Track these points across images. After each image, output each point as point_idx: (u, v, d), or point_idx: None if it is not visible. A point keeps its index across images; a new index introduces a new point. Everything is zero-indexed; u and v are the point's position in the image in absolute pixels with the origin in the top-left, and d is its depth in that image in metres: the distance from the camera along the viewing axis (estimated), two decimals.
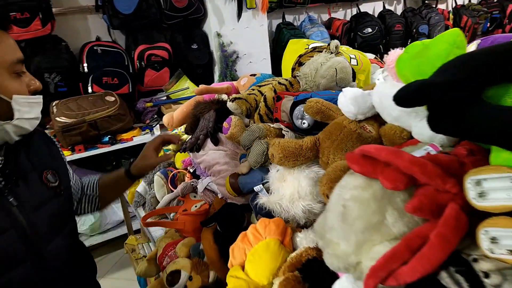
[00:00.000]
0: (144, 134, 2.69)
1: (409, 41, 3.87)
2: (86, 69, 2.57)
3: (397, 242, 0.57)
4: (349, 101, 0.81)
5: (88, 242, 2.57)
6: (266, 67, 3.28)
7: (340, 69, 1.07)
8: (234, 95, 1.28)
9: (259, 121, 1.20)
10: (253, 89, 1.29)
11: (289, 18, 3.63)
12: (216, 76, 3.09)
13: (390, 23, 3.78)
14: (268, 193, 0.97)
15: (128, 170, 1.07)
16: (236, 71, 3.08)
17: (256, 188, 0.99)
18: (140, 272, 1.17)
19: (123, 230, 2.61)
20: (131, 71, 2.72)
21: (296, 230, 0.90)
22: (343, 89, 0.85)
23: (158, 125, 2.72)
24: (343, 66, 1.08)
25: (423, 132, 0.67)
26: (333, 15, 3.79)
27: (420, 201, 0.52)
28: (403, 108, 0.69)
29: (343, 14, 3.94)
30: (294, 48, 1.51)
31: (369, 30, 3.56)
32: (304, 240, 0.84)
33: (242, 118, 1.22)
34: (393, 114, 0.72)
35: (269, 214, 0.93)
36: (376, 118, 0.83)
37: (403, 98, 0.52)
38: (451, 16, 4.47)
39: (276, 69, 3.42)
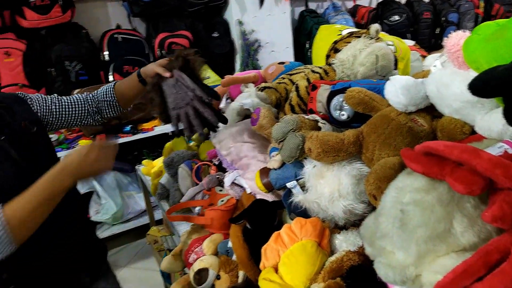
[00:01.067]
0: (165, 124, 2.64)
1: (437, 30, 3.71)
2: (107, 58, 2.54)
3: (466, 254, 0.50)
4: (399, 91, 0.72)
5: (110, 231, 2.56)
6: (288, 56, 3.18)
7: (382, 56, 0.98)
8: (263, 84, 1.21)
9: (290, 112, 1.13)
10: (283, 78, 1.22)
11: (312, 5, 3.51)
12: (238, 65, 3.02)
13: (418, 11, 3.61)
14: (302, 190, 0.90)
15: (139, 73, 1.19)
16: (258, 60, 2.99)
17: (289, 185, 0.93)
18: (165, 267, 1.13)
19: (145, 220, 2.59)
20: (151, 59, 2.68)
21: (334, 232, 0.83)
22: (391, 77, 0.77)
23: None
24: (385, 52, 0.99)
25: (490, 126, 0.59)
26: (358, 1, 3.65)
27: (501, 209, 0.44)
28: (466, 99, 0.61)
29: (368, 0, 3.78)
30: (325, 34, 1.42)
31: (397, 17, 3.40)
32: (344, 243, 0.77)
33: (271, 109, 1.15)
34: (454, 105, 0.64)
35: (303, 213, 0.87)
36: (428, 110, 0.75)
37: (485, 86, 0.44)
38: (481, 4, 4.25)
39: (299, 58, 3.32)
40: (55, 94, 1.18)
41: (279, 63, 1.46)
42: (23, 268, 0.97)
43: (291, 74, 1.21)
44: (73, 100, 1.19)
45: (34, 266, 0.98)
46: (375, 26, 1.02)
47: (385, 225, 0.55)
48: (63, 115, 1.16)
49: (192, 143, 1.58)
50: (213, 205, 1.16)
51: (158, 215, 2.39)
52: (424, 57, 1.38)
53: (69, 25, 2.46)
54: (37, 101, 1.11)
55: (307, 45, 3.25)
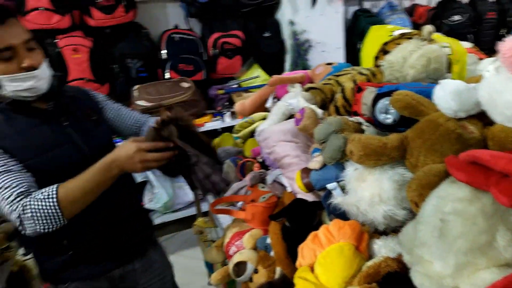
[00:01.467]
0: (215, 121, 2.73)
1: (502, 31, 3.44)
2: (164, 56, 2.67)
3: (508, 269, 0.47)
4: (449, 96, 0.70)
5: (161, 219, 2.71)
6: (339, 57, 3.13)
7: (434, 59, 0.94)
8: (308, 85, 1.21)
9: (335, 113, 1.12)
10: (330, 79, 1.21)
11: (367, 4, 3.41)
12: (287, 65, 3.03)
13: (481, 10, 3.37)
14: (343, 192, 0.90)
15: None
16: (307, 60, 2.98)
17: (329, 186, 0.93)
18: (208, 257, 1.18)
19: (193, 211, 2.71)
20: (205, 58, 2.77)
21: (374, 236, 0.82)
22: (441, 81, 0.74)
23: (229, 112, 2.75)
24: (438, 55, 0.95)
25: None
26: (416, 0, 3.49)
27: None
28: None
29: None
30: (376, 35, 1.39)
31: (457, 17, 3.21)
32: (383, 249, 0.76)
33: (315, 110, 1.15)
34: (507, 113, 0.61)
35: (343, 215, 0.87)
36: (480, 117, 0.71)
37: None
38: None
39: (350, 59, 3.25)
40: (119, 104, 1.34)
41: (327, 64, 1.45)
42: (81, 237, 1.13)
43: (337, 75, 1.20)
44: (131, 116, 1.33)
45: (90, 237, 1.15)
46: (428, 27, 0.99)
47: (423, 233, 0.54)
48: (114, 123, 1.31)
49: (238, 140, 1.63)
50: (254, 201, 1.19)
51: (205, 207, 2.48)
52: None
53: (131, 25, 2.63)
54: (101, 99, 1.28)
55: (359, 46, 3.18)
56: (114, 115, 1.29)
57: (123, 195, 1.20)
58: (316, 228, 0.88)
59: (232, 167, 1.38)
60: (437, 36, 1.34)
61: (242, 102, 1.61)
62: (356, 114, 1.00)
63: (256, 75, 2.92)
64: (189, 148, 1.04)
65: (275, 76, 1.42)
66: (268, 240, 0.99)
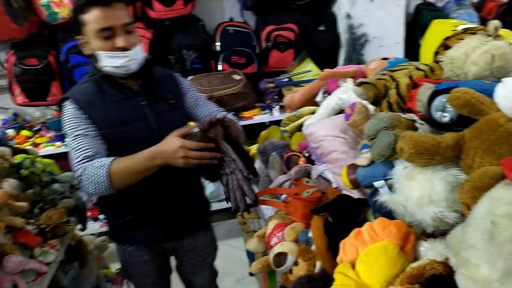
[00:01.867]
0: (263, 114, 2.75)
1: None
2: (218, 48, 2.73)
3: None
4: (511, 95, 0.65)
5: None
6: (398, 52, 3.00)
7: (499, 56, 0.88)
8: (361, 79, 1.19)
9: (387, 109, 1.09)
10: (384, 74, 1.17)
11: None
12: (341, 60, 2.96)
13: None
14: (390, 191, 0.87)
15: None
16: (363, 55, 2.89)
17: (376, 184, 0.90)
18: (250, 247, 1.20)
19: None
20: (257, 51, 2.80)
21: (421, 238, 0.79)
22: (503, 79, 0.69)
23: (278, 106, 2.75)
24: (504, 52, 0.88)
25: None
26: None
27: None
28: None
29: None
30: (438, 30, 1.32)
31: None
32: (430, 252, 0.73)
33: (367, 105, 1.12)
34: None
35: (389, 214, 0.84)
36: None
37: None
38: None
39: (410, 56, 3.10)
40: (200, 94, 1.40)
41: (383, 59, 1.40)
42: (141, 206, 1.27)
43: (392, 71, 1.15)
44: (207, 108, 1.38)
45: (150, 208, 1.27)
46: (494, 22, 0.92)
47: (472, 235, 0.51)
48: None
49: (286, 134, 1.63)
50: (298, 195, 1.19)
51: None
52: None
53: (189, 17, 2.71)
54: (185, 86, 1.37)
55: (421, 42, 3.02)
56: (193, 103, 1.36)
57: (187, 176, 1.26)
58: (360, 226, 0.87)
59: (278, 159, 1.39)
60: (505, 32, 1.25)
61: (292, 95, 1.61)
62: (410, 111, 0.96)
63: (308, 69, 2.89)
64: (231, 151, 1.05)
65: (327, 70, 1.40)
66: (310, 234, 0.99)
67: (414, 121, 0.91)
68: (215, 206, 2.84)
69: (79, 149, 1.11)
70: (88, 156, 1.10)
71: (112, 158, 1.08)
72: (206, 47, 2.74)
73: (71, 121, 1.15)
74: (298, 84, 2.87)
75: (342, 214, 0.95)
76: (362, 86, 1.11)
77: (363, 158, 0.94)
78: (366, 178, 0.94)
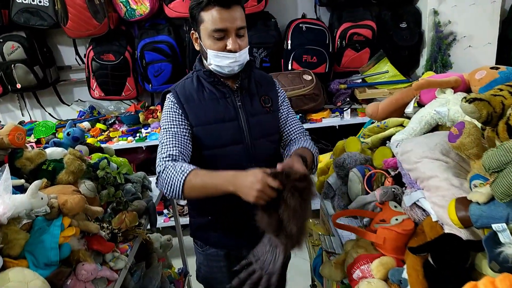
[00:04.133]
0: (333, 117, 2.61)
1: None
2: (289, 47, 2.62)
3: None
4: None
5: None
6: (489, 54, 2.68)
7: None
8: (473, 95, 1.00)
9: (506, 133, 0.91)
10: (501, 89, 0.98)
11: None
12: (423, 61, 2.71)
13: None
14: None
15: None
16: (449, 55, 2.61)
17: (496, 227, 0.74)
18: (325, 273, 1.10)
19: None
20: (330, 50, 2.64)
21: None
22: None
23: (349, 109, 2.59)
24: None
25: None
26: None
27: None
28: None
29: None
30: None
31: None
32: None
33: (478, 125, 0.95)
34: None
35: (511, 268, 0.68)
36: None
37: None
38: None
39: (503, 57, 2.75)
40: (291, 110, 1.41)
41: (491, 68, 1.20)
42: (222, 210, 1.28)
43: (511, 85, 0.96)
44: (290, 127, 1.38)
45: (230, 213, 1.28)
46: None
47: None
48: None
49: (365, 145, 1.48)
50: (384, 222, 1.05)
51: (316, 205, 2.38)
52: None
53: (260, 14, 2.63)
54: (282, 96, 1.38)
55: None
56: (284, 117, 1.36)
57: None
58: (469, 271, 0.72)
59: (359, 176, 1.25)
60: None
61: (376, 104, 1.45)
62: None
63: (385, 70, 2.68)
64: (279, 262, 1.02)
65: (423, 79, 1.23)
66: (405, 274, 0.86)
67: None
68: None
69: (166, 145, 1.16)
70: (172, 155, 1.14)
71: (194, 167, 1.09)
72: (277, 45, 2.64)
73: (167, 115, 1.21)
74: (373, 85, 2.67)
75: (447, 258, 0.80)
76: (474, 103, 0.93)
77: (480, 194, 0.79)
78: (481, 218, 0.78)
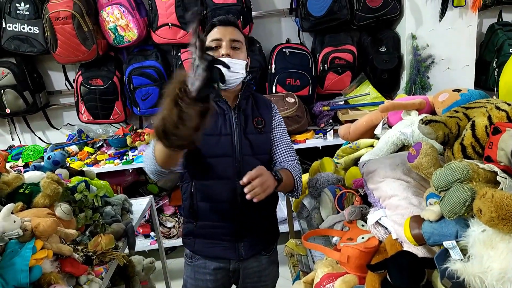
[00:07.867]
0: (317, 138, 2.65)
1: None
2: (273, 70, 2.69)
3: None
4: None
5: None
6: (467, 76, 2.76)
7: None
8: (428, 117, 1.05)
9: (460, 153, 0.95)
10: (457, 111, 1.03)
11: (507, 17, 2.95)
12: (403, 83, 2.79)
13: None
14: (463, 255, 0.74)
15: None
16: (428, 78, 2.70)
17: (446, 244, 0.78)
18: None
19: (286, 228, 2.66)
20: (313, 73, 2.72)
21: None
22: None
23: (332, 130, 2.64)
24: None
25: None
26: None
27: None
28: None
29: None
30: None
31: None
32: None
33: (435, 145, 0.99)
34: None
35: (460, 284, 0.71)
36: None
37: None
38: None
39: (479, 79, 2.84)
40: (285, 135, 1.45)
41: (454, 91, 1.26)
42: (207, 215, 1.33)
43: (467, 108, 1.01)
44: (278, 151, 1.42)
45: (216, 218, 1.32)
46: None
47: None
48: None
49: (339, 166, 1.52)
50: (351, 240, 1.08)
51: (297, 226, 2.39)
52: None
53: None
54: (277, 119, 1.44)
55: (494, 64, 2.75)
56: (276, 139, 1.41)
57: (265, 200, 1.19)
58: None
59: (330, 196, 1.29)
60: None
61: (347, 126, 1.50)
62: (489, 159, 0.82)
63: (367, 92, 2.75)
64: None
65: (388, 101, 1.29)
66: None
67: (495, 173, 0.77)
68: None
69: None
70: None
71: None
72: (262, 69, 2.72)
73: None
74: (355, 107, 2.74)
75: (404, 275, 0.83)
76: (430, 124, 0.98)
77: (431, 212, 0.82)
78: (433, 236, 0.81)
